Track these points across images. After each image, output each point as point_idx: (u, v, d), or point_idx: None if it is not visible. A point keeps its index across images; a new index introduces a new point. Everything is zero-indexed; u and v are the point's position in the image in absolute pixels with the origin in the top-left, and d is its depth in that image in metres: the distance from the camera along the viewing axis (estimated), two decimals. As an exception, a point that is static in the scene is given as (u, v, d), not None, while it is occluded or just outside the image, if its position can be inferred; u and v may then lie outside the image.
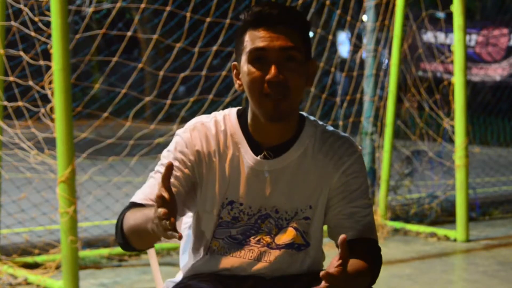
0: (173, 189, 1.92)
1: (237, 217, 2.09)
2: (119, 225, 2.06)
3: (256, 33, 2.01)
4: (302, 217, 2.10)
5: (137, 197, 2.10)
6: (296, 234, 2.10)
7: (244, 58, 2.03)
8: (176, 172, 2.06)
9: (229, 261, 2.10)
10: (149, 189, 2.09)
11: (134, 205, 2.08)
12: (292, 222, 2.09)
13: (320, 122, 2.15)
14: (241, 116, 2.12)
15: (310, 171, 2.09)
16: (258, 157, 2.07)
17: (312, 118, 2.15)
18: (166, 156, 2.11)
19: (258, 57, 2.00)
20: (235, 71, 2.11)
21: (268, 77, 1.99)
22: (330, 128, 2.14)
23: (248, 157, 2.08)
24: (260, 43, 2.00)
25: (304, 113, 2.16)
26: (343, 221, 2.09)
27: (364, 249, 2.06)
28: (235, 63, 2.10)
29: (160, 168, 2.11)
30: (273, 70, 1.98)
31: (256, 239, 2.10)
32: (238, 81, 2.09)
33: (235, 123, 2.11)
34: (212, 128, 2.09)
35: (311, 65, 2.09)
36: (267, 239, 2.10)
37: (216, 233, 2.11)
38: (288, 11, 2.03)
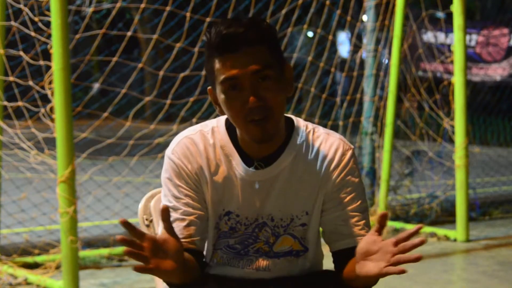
0: (195, 216, 2.00)
1: (234, 227, 2.07)
2: None
3: (224, 60, 1.91)
4: (299, 224, 2.08)
5: None
6: (293, 241, 2.09)
7: (218, 88, 1.95)
8: (188, 200, 2.03)
9: (228, 271, 2.09)
10: (177, 229, 2.02)
11: None
12: (288, 229, 2.07)
13: (310, 124, 2.10)
14: (230, 127, 2.06)
15: (303, 176, 2.05)
16: (250, 169, 2.03)
17: (301, 121, 2.10)
18: (166, 184, 2.06)
19: (232, 85, 1.92)
20: (212, 96, 2.03)
21: (247, 106, 1.92)
22: (321, 129, 2.09)
23: (240, 169, 2.04)
24: (231, 72, 1.91)
25: (292, 116, 2.10)
26: (340, 227, 2.07)
27: None
28: (211, 88, 2.02)
29: (171, 200, 2.05)
30: (251, 99, 1.91)
31: (255, 249, 2.08)
32: (218, 107, 2.02)
33: (224, 136, 2.06)
34: (199, 143, 2.05)
35: (287, 70, 2.01)
36: (266, 248, 2.08)
37: (215, 244, 2.10)
38: (252, 26, 1.92)
